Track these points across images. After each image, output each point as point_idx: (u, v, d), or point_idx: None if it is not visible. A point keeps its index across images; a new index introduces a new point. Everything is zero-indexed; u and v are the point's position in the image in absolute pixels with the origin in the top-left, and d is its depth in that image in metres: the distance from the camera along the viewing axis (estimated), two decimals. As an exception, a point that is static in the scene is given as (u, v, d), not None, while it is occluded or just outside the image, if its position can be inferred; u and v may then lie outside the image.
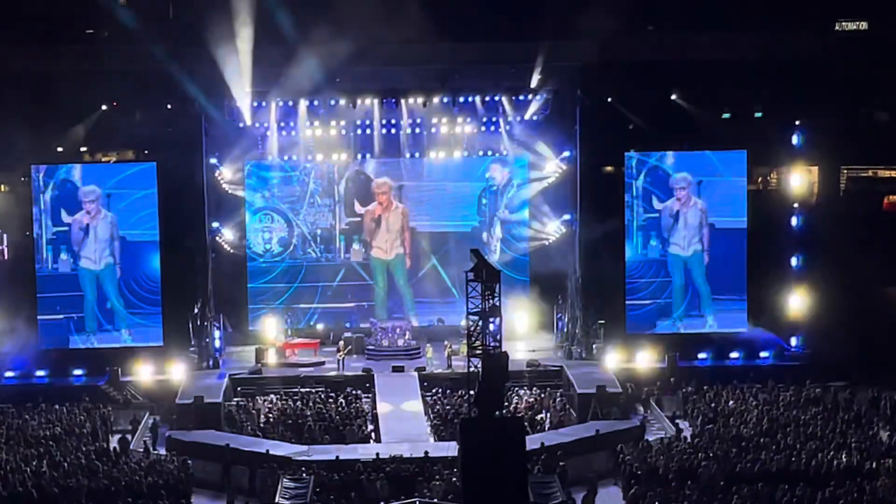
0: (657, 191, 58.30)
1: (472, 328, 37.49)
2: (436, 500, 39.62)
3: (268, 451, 45.75)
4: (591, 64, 56.40)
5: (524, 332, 61.39)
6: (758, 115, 60.46)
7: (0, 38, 55.74)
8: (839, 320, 56.64)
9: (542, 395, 53.45)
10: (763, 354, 57.35)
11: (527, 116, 60.26)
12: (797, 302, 58.91)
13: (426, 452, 45.20)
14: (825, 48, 59.16)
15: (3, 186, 59.47)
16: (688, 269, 58.57)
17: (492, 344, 37.02)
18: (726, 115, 60.60)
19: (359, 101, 59.06)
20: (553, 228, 61.73)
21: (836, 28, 64.19)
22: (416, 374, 55.50)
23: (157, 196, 57.10)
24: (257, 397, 53.83)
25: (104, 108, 58.02)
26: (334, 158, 61.51)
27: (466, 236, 62.02)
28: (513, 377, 48.92)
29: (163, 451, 47.61)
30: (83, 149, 60.56)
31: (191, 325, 57.73)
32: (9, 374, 55.71)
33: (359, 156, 61.64)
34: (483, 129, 60.86)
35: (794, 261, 59.02)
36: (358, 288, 63.28)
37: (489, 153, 62.14)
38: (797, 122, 58.82)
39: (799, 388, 52.39)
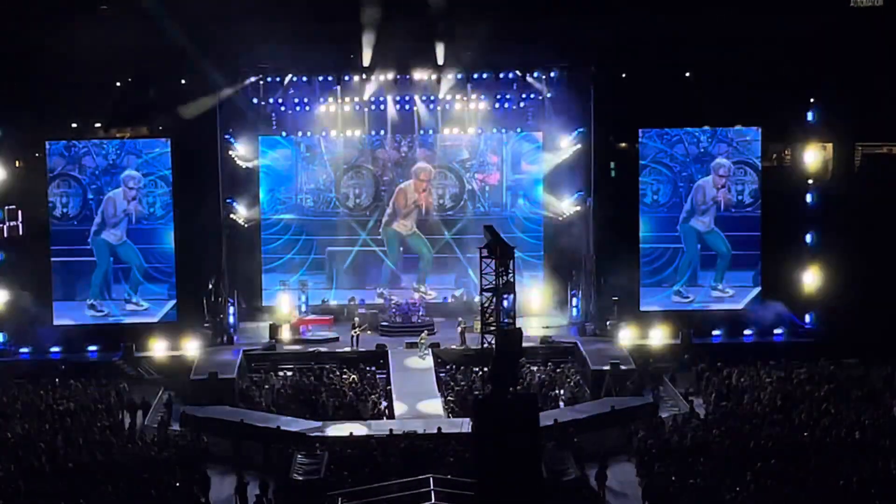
0: (671, 168, 58.33)
1: (485, 304, 37.50)
2: (449, 476, 39.65)
3: (278, 427, 45.98)
4: (606, 40, 56.24)
5: (538, 308, 61.45)
6: (772, 91, 60.21)
7: (15, 13, 55.69)
8: (853, 297, 56.54)
9: (556, 372, 53.49)
10: (777, 331, 57.35)
11: (541, 93, 60.17)
12: (811, 279, 58.91)
13: (440, 429, 45.34)
14: (840, 24, 58.89)
15: (17, 162, 59.50)
16: (704, 242, 58.66)
17: (505, 320, 37.04)
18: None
19: (373, 78, 59.02)
20: (567, 206, 61.57)
21: (851, 4, 63.86)
22: (430, 350, 55.54)
23: (172, 172, 57.28)
24: (271, 373, 53.96)
25: (118, 83, 58.04)
26: (348, 134, 61.46)
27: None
28: (527, 354, 49.10)
29: (177, 427, 47.75)
30: (97, 125, 60.59)
31: (205, 301, 57.88)
32: (24, 349, 55.98)
33: (372, 132, 61.60)
34: (497, 105, 60.76)
35: (808, 238, 58.99)
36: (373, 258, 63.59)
37: (503, 130, 62.06)
38: (812, 99, 58.79)
39: (812, 365, 52.39)
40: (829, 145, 62.89)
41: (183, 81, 57.38)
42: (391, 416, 49.17)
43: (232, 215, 60.34)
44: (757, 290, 58.77)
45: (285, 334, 58.05)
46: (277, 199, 62.55)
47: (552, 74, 59.36)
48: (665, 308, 58.58)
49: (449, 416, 48.53)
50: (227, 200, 59.79)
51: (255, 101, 59.86)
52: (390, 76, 59.18)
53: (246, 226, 61.48)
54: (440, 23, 56.40)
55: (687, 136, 58.53)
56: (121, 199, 57.52)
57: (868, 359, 52.39)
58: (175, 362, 54.81)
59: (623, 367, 52.18)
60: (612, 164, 60.11)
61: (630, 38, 56.07)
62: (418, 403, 49.97)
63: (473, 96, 60.21)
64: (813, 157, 59.99)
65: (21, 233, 58.86)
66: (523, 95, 60.47)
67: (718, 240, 58.73)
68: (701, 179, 58.58)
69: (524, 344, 37.90)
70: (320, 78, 59.26)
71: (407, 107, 60.75)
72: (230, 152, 59.83)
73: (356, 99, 60.24)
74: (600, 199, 58.93)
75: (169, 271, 57.79)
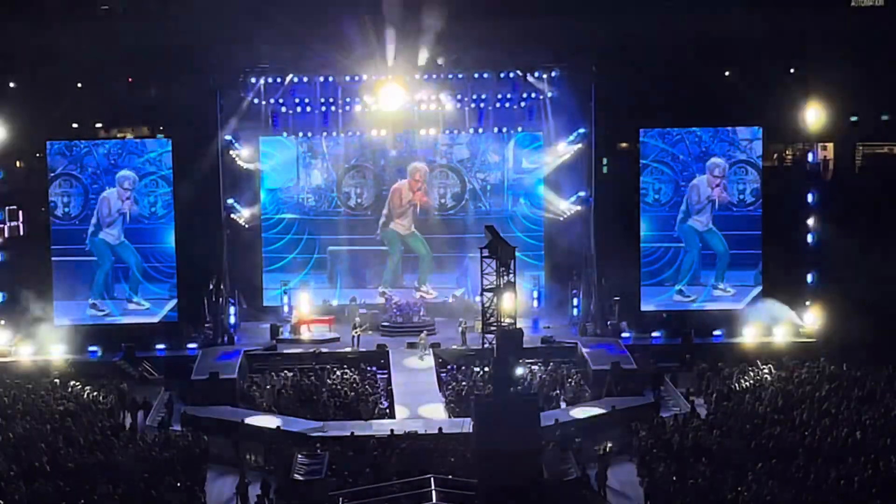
0: (672, 168, 58.37)
1: (486, 304, 37.53)
2: (450, 476, 39.67)
3: (279, 427, 45.99)
4: (606, 40, 56.27)
5: (538, 308, 61.55)
6: (773, 90, 60.31)
7: (17, 14, 55.77)
8: (854, 298, 56.54)
9: (557, 372, 53.48)
10: (778, 331, 57.29)
11: (541, 93, 60.14)
12: (812, 279, 58.87)
13: (440, 429, 45.36)
14: (840, 24, 58.95)
15: (18, 162, 59.58)
16: (704, 241, 58.70)
17: (506, 320, 37.09)
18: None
19: (374, 78, 58.93)
20: (567, 206, 61.52)
21: (851, 4, 63.94)
22: (430, 350, 55.53)
23: (172, 172, 57.32)
24: (272, 373, 53.93)
25: (118, 83, 58.09)
26: (349, 134, 61.36)
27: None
28: (527, 354, 49.05)
29: (178, 427, 47.76)
30: (98, 125, 60.64)
31: (206, 301, 57.87)
32: (25, 349, 56.03)
33: (373, 132, 61.46)
34: (498, 105, 60.65)
35: (809, 238, 59.00)
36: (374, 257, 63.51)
37: (504, 130, 62.00)
38: (812, 99, 58.78)
39: (813, 365, 52.38)
40: (830, 145, 62.94)
41: (183, 81, 57.41)
42: (392, 416, 49.18)
43: (233, 215, 60.33)
44: (758, 289, 58.78)
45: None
46: (279, 199, 62.51)
47: (553, 74, 59.26)
48: (666, 308, 58.59)
49: (450, 417, 48.54)
50: (228, 200, 59.78)
51: (255, 101, 59.79)
52: (390, 76, 59.10)
53: (247, 226, 61.45)
54: (441, 23, 56.38)
55: (688, 136, 58.52)
56: (115, 198, 57.51)
57: (868, 359, 52.35)
58: (176, 363, 54.80)
59: (624, 367, 52.19)
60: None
61: (630, 38, 56.08)
62: (419, 403, 49.98)
63: (474, 96, 60.11)
64: (814, 157, 59.99)
65: (22, 233, 58.91)
66: (524, 95, 60.28)
67: (716, 239, 58.76)
68: (696, 178, 58.60)
69: (525, 344, 37.95)
70: (321, 78, 59.21)
71: (407, 107, 60.65)
72: (231, 152, 59.82)
73: (357, 99, 60.14)
74: (601, 199, 58.93)
75: (170, 271, 57.85)
